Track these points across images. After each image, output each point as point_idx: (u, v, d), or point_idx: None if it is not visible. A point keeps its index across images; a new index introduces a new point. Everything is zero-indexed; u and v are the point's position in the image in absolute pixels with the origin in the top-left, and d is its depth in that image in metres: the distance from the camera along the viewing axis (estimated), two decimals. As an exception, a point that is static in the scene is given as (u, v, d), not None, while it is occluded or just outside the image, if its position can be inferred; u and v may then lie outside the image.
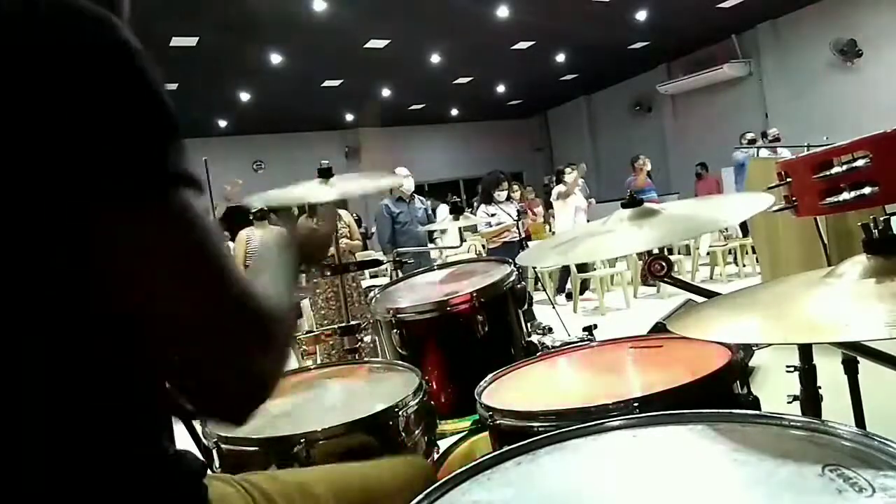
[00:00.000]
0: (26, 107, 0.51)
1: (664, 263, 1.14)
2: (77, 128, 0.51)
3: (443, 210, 7.59)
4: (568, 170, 7.35)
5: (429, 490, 0.71)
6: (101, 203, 0.52)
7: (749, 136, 7.87)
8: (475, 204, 6.47)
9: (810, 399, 1.11)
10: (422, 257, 5.11)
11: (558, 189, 7.16)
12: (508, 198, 5.93)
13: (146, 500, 0.62)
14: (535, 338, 1.68)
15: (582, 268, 6.80)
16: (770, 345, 0.76)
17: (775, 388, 1.15)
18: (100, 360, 0.57)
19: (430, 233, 5.71)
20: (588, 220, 7.34)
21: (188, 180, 0.57)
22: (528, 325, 1.70)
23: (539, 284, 6.44)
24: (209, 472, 0.74)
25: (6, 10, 0.52)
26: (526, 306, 1.66)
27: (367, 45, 8.96)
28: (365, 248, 6.49)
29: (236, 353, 0.58)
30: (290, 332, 0.70)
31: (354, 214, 6.53)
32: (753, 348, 1.16)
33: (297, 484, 0.86)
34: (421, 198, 5.58)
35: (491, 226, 5.73)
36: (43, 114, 0.51)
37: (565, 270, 7.27)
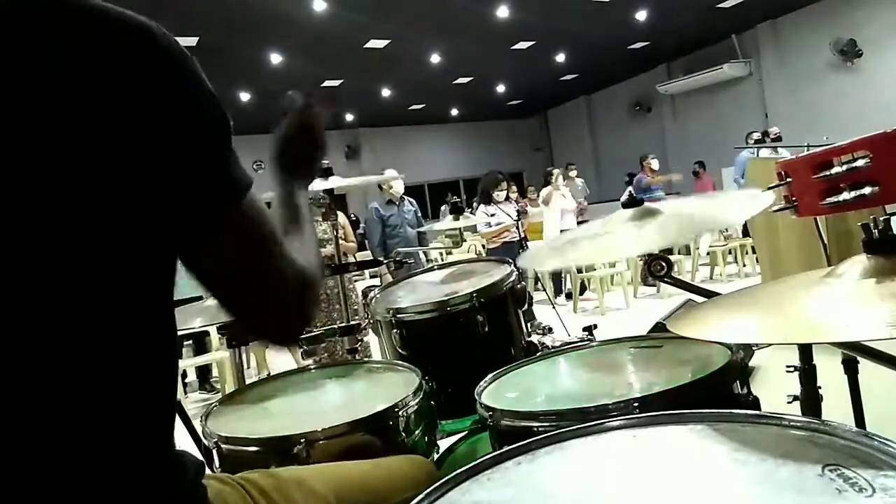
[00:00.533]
0: (97, 128, 0.53)
1: (664, 263, 1.14)
2: (154, 143, 0.55)
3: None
4: (556, 171, 7.37)
5: (429, 490, 0.71)
6: (181, 217, 0.59)
7: (755, 135, 7.86)
8: (474, 204, 6.47)
9: (810, 399, 1.11)
10: (412, 259, 5.12)
11: (542, 194, 7.20)
12: (507, 198, 5.94)
13: (145, 501, 0.62)
14: (535, 338, 1.67)
15: (582, 268, 6.80)
16: (770, 345, 0.76)
17: (775, 388, 1.15)
18: (103, 362, 0.57)
19: (421, 235, 5.72)
20: (580, 222, 7.36)
21: (250, 184, 0.65)
22: (528, 325, 1.70)
23: (539, 284, 6.44)
24: (207, 471, 0.74)
25: (62, 31, 0.53)
26: (526, 306, 1.66)
27: (367, 45, 8.96)
28: (362, 248, 6.48)
29: (295, 312, 0.72)
30: (319, 267, 0.79)
31: (353, 215, 6.54)
32: (753, 348, 1.15)
33: (296, 482, 0.86)
34: (411, 200, 5.57)
35: (490, 226, 5.73)
36: (119, 134, 0.53)
37: (556, 274, 7.27)
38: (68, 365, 0.56)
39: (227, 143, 0.63)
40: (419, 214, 5.64)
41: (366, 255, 5.79)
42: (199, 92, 0.59)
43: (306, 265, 0.73)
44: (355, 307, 3.48)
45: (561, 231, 6.48)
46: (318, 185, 2.16)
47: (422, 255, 5.67)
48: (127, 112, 0.53)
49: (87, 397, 0.57)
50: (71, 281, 0.54)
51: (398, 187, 5.38)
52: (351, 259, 4.49)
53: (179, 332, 0.71)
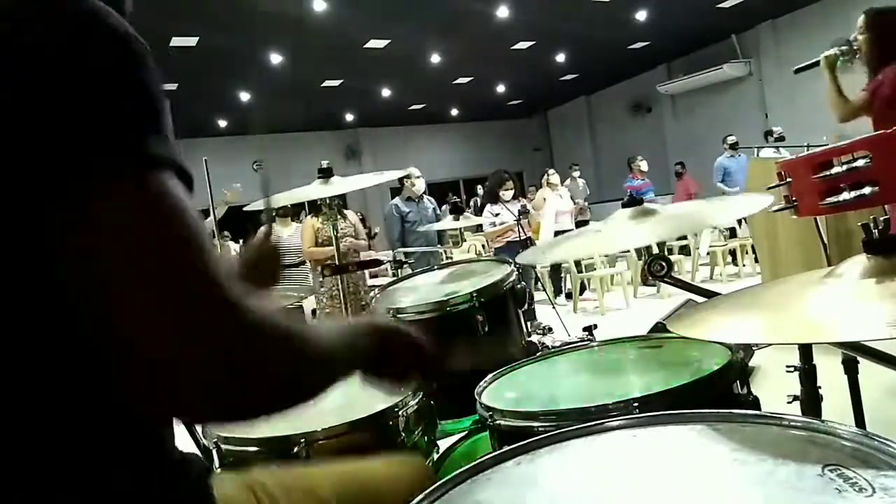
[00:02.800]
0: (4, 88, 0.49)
1: (664, 263, 1.14)
2: (51, 106, 0.49)
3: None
4: (552, 171, 7.36)
5: (429, 490, 0.71)
6: (72, 180, 0.48)
7: (730, 139, 7.85)
8: (473, 204, 6.49)
9: (810, 399, 1.11)
10: (431, 256, 5.15)
11: (537, 197, 7.20)
12: (515, 196, 5.94)
13: (150, 502, 0.62)
14: (535, 338, 1.67)
15: (581, 268, 6.80)
16: (770, 345, 0.76)
17: (775, 388, 1.14)
18: (104, 361, 0.57)
19: (441, 233, 5.74)
20: (580, 222, 7.36)
21: (170, 167, 0.53)
22: (528, 325, 1.70)
23: (539, 284, 6.44)
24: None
25: None
26: (526, 306, 1.66)
27: (367, 45, 8.96)
28: (368, 247, 6.49)
29: (195, 355, 0.49)
30: (293, 365, 0.58)
31: (359, 213, 6.55)
32: (753, 348, 1.15)
33: (299, 481, 0.86)
34: (430, 198, 5.60)
35: (495, 225, 5.73)
36: (17, 93, 0.49)
37: (555, 273, 7.27)
38: (72, 366, 0.55)
39: (145, 120, 0.53)
40: (438, 213, 5.67)
41: (367, 255, 5.79)
42: (124, 67, 0.53)
43: (292, 333, 0.57)
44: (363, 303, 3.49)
45: (557, 233, 6.48)
46: (320, 189, 2.16)
47: (442, 252, 5.69)
48: (39, 76, 0.49)
49: (93, 400, 0.57)
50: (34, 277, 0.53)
51: (420, 185, 5.41)
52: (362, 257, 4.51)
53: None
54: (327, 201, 2.38)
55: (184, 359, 0.49)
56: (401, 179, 5.35)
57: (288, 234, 4.85)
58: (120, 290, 0.49)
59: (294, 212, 4.72)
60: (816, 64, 2.92)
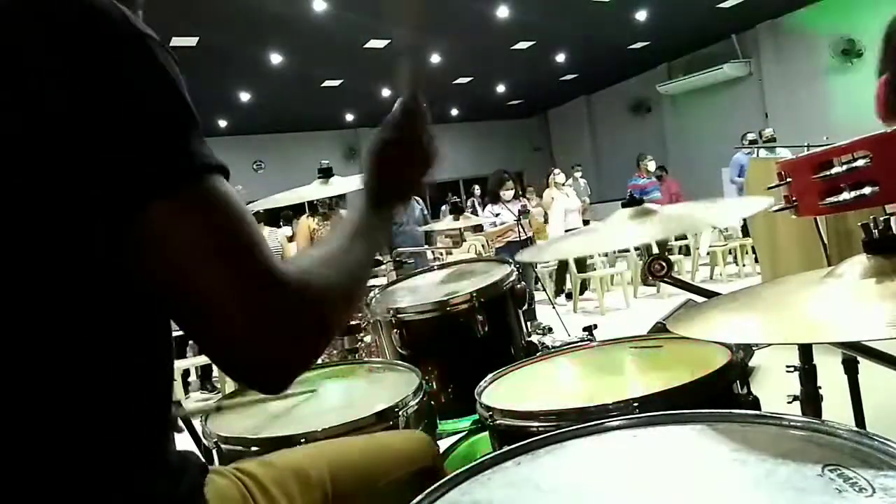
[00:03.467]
0: (43, 107, 0.50)
1: (664, 263, 1.14)
2: (100, 123, 0.51)
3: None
4: (556, 171, 7.36)
5: (429, 490, 0.71)
6: (133, 197, 0.52)
7: (750, 136, 7.85)
8: (473, 204, 6.48)
9: (810, 399, 1.11)
10: (419, 257, 5.12)
11: (542, 197, 7.21)
12: (516, 196, 5.94)
13: (151, 501, 0.62)
14: (535, 338, 1.68)
15: (582, 268, 6.80)
16: (770, 345, 0.76)
17: (775, 388, 1.14)
18: (104, 361, 0.57)
19: (428, 233, 5.73)
20: (585, 221, 7.36)
21: (216, 167, 0.57)
22: (528, 325, 1.70)
23: (539, 284, 6.44)
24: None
25: (10, 9, 0.52)
26: (526, 306, 1.66)
27: (367, 45, 8.96)
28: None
29: (269, 335, 0.56)
30: (352, 301, 0.69)
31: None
32: (753, 348, 1.15)
33: (291, 467, 0.85)
34: (417, 198, 5.59)
35: (495, 225, 5.73)
36: (60, 112, 0.50)
37: (561, 273, 7.27)
38: (73, 366, 0.55)
39: (188, 125, 0.56)
40: (425, 213, 5.65)
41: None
42: (159, 75, 0.55)
43: (334, 282, 0.63)
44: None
45: (566, 230, 6.48)
46: (320, 189, 2.16)
47: (429, 254, 5.67)
48: (80, 94, 0.51)
49: (91, 398, 0.57)
50: (92, 279, 0.54)
51: None
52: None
53: (182, 332, 0.65)
54: (327, 201, 2.38)
55: (262, 337, 0.55)
56: None
57: (283, 234, 4.87)
58: (203, 294, 0.54)
59: (293, 214, 4.73)
60: None
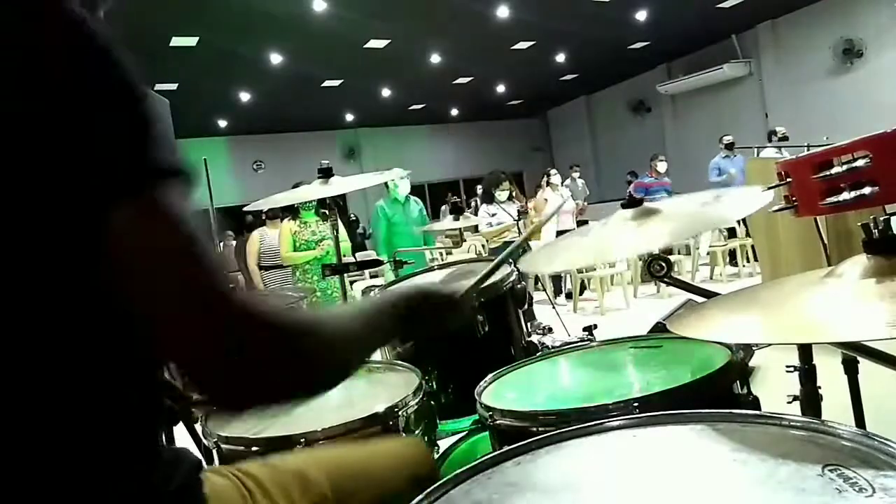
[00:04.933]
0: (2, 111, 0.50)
1: (664, 263, 1.14)
2: (54, 129, 0.51)
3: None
4: (553, 171, 7.35)
5: (428, 490, 0.71)
6: (90, 202, 0.52)
7: (727, 139, 7.84)
8: (473, 204, 6.48)
9: (810, 399, 1.11)
10: (417, 258, 5.12)
11: (536, 200, 7.19)
12: (510, 197, 5.94)
13: (143, 497, 0.62)
14: (535, 338, 1.67)
15: (582, 268, 6.80)
16: (770, 345, 0.76)
17: (775, 388, 1.14)
18: (95, 357, 0.57)
19: (426, 234, 5.72)
20: (580, 222, 7.35)
21: (169, 172, 0.56)
22: (528, 325, 1.70)
23: (539, 284, 6.44)
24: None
25: None
26: (526, 306, 1.66)
27: (367, 45, 8.96)
28: (364, 248, 6.49)
29: (211, 353, 0.55)
30: (313, 355, 0.65)
31: (352, 214, 6.54)
32: (753, 348, 1.15)
33: (291, 470, 0.86)
34: (416, 199, 5.58)
35: (492, 226, 5.73)
36: (16, 117, 0.50)
37: (557, 274, 7.26)
38: (64, 362, 0.55)
39: (139, 129, 0.55)
40: (424, 213, 5.64)
41: (367, 255, 5.80)
42: (107, 76, 0.54)
43: (302, 324, 0.63)
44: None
45: (559, 232, 6.48)
46: (320, 189, 2.16)
47: (427, 255, 5.67)
48: (21, 97, 0.51)
49: (83, 394, 0.57)
50: (62, 280, 0.54)
51: (402, 187, 5.39)
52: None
53: None
54: (327, 202, 2.38)
55: (191, 344, 0.55)
56: (386, 183, 5.34)
57: (275, 236, 4.88)
58: (144, 293, 0.54)
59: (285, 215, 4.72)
60: None
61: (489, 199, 5.78)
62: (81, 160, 0.52)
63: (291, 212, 4.48)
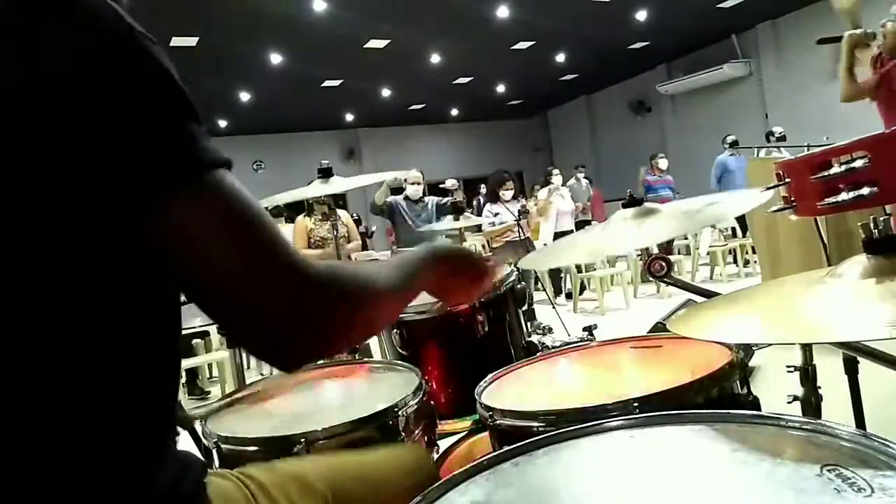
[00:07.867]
0: (39, 107, 0.50)
1: (664, 263, 1.14)
2: (106, 122, 0.51)
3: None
4: (555, 171, 7.35)
5: (428, 490, 0.71)
6: (138, 196, 0.53)
7: (730, 138, 7.86)
8: (478, 203, 6.49)
9: (810, 399, 1.11)
10: None
11: (536, 200, 7.18)
12: (515, 196, 5.94)
13: (156, 499, 0.62)
14: (535, 338, 1.67)
15: (581, 268, 6.80)
16: (770, 345, 0.76)
17: (775, 388, 1.14)
18: (105, 359, 0.57)
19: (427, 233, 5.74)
20: (581, 222, 7.34)
21: (218, 160, 0.58)
22: (528, 325, 1.70)
23: (539, 284, 6.44)
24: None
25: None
26: (526, 306, 1.66)
27: (367, 45, 8.97)
28: (365, 247, 6.49)
29: (287, 315, 0.59)
30: (372, 300, 0.70)
31: (354, 214, 6.54)
32: (753, 348, 1.15)
33: (293, 475, 0.86)
34: (431, 197, 5.60)
35: (494, 225, 5.74)
36: (60, 111, 0.50)
37: (555, 273, 7.26)
38: (74, 364, 0.55)
39: (188, 120, 0.57)
40: (440, 204, 5.68)
41: (366, 255, 5.80)
42: (137, 68, 0.54)
43: (361, 280, 0.68)
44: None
45: (557, 234, 6.48)
46: (320, 188, 2.16)
47: None
48: (48, 92, 0.50)
49: (91, 396, 0.57)
50: (90, 282, 0.54)
51: (413, 192, 5.41)
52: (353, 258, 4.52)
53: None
54: (322, 199, 2.38)
55: (271, 315, 0.58)
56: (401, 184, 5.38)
57: (287, 234, 4.86)
58: (221, 282, 0.57)
59: (291, 214, 4.73)
60: (839, 39, 2.96)
61: (494, 198, 5.78)
62: (140, 150, 0.53)
63: (308, 208, 4.48)
